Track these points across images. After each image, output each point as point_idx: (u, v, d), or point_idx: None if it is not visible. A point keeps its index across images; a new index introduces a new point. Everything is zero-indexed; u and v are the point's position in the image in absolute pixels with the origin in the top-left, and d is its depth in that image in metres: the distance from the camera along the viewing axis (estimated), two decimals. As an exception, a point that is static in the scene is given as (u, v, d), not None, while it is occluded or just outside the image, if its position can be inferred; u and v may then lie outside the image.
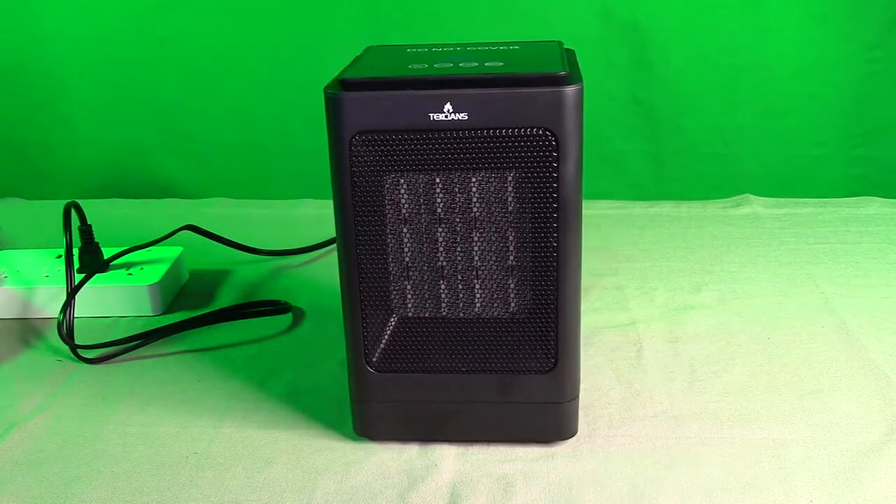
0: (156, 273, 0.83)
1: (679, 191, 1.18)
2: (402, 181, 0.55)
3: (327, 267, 0.92)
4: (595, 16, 1.13)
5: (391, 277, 0.57)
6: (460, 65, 0.54)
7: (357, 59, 0.60)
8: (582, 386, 0.68)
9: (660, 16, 1.12)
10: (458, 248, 0.57)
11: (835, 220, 1.00)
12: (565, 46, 0.62)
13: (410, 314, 0.59)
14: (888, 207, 1.03)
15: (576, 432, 0.61)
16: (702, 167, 1.19)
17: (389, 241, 0.56)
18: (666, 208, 1.05)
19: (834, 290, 0.83)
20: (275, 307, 0.82)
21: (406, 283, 0.58)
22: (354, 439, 0.62)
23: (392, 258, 0.57)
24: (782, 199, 1.06)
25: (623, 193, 1.19)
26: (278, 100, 1.19)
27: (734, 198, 1.07)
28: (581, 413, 0.64)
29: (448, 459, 0.60)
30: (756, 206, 1.04)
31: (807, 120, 1.16)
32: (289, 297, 0.84)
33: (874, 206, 1.03)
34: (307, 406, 0.67)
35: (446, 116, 0.52)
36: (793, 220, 1.00)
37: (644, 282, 0.86)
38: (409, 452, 0.61)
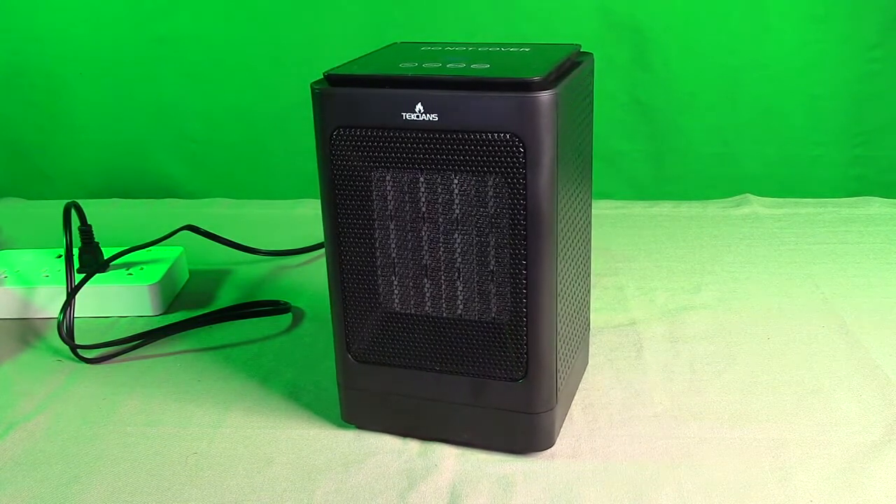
0: (156, 273, 0.83)
1: (679, 191, 1.18)
2: (387, 177, 0.55)
3: (326, 266, 0.92)
4: (595, 16, 1.13)
5: (374, 271, 0.58)
6: (447, 66, 0.54)
7: (369, 53, 0.61)
8: (582, 385, 0.68)
9: (660, 16, 1.12)
10: (441, 248, 0.57)
11: (835, 220, 1.00)
12: (582, 50, 0.61)
13: (394, 309, 0.59)
14: (888, 207, 1.03)
15: (552, 444, 0.60)
16: (702, 167, 1.19)
17: (372, 235, 0.57)
18: (666, 208, 1.05)
19: (834, 290, 0.83)
20: (275, 307, 0.82)
21: (390, 278, 0.58)
22: (355, 440, 0.62)
23: (374, 252, 0.57)
24: (782, 199, 1.06)
25: (623, 193, 1.19)
26: (278, 99, 1.19)
27: (734, 198, 1.07)
28: (581, 413, 0.64)
29: (448, 460, 0.60)
30: (756, 206, 1.04)
31: (807, 120, 1.16)
32: (289, 297, 0.84)
33: (874, 206, 1.03)
34: (307, 406, 0.67)
35: (418, 116, 0.53)
36: (793, 220, 1.00)
37: (644, 282, 0.86)
38: (410, 452, 0.61)
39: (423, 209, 0.56)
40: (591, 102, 0.63)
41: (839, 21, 1.11)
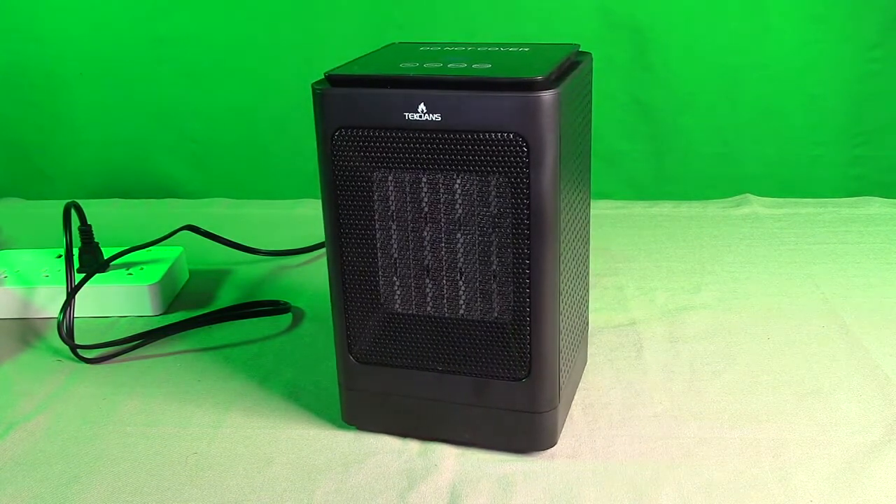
0: (156, 273, 0.83)
1: (679, 191, 1.18)
2: (388, 178, 0.55)
3: (327, 267, 0.92)
4: (595, 16, 1.13)
5: (375, 272, 0.58)
6: (448, 66, 0.54)
7: (368, 54, 0.61)
8: (582, 385, 0.68)
9: (660, 16, 1.12)
10: (443, 248, 0.57)
11: (835, 220, 1.00)
12: (580, 50, 0.61)
13: (395, 310, 0.59)
14: (888, 207, 1.03)
15: (555, 443, 0.60)
16: (702, 167, 1.19)
17: (374, 236, 0.57)
18: (666, 208, 1.05)
19: (834, 290, 0.83)
20: (275, 307, 0.82)
21: (391, 278, 0.58)
22: (355, 440, 0.62)
23: (376, 253, 0.57)
24: (782, 199, 1.06)
25: (623, 193, 1.19)
26: (278, 100, 1.19)
27: (734, 198, 1.07)
28: (581, 413, 0.64)
29: (448, 460, 0.60)
30: (756, 206, 1.04)
31: (807, 120, 1.16)
32: (289, 297, 0.84)
33: (874, 206, 1.03)
34: (307, 406, 0.67)
35: (420, 116, 0.52)
36: (793, 220, 1.00)
37: (644, 282, 0.86)
38: (410, 452, 0.61)
39: (426, 209, 0.56)
40: (591, 102, 0.63)
41: (839, 21, 1.11)
